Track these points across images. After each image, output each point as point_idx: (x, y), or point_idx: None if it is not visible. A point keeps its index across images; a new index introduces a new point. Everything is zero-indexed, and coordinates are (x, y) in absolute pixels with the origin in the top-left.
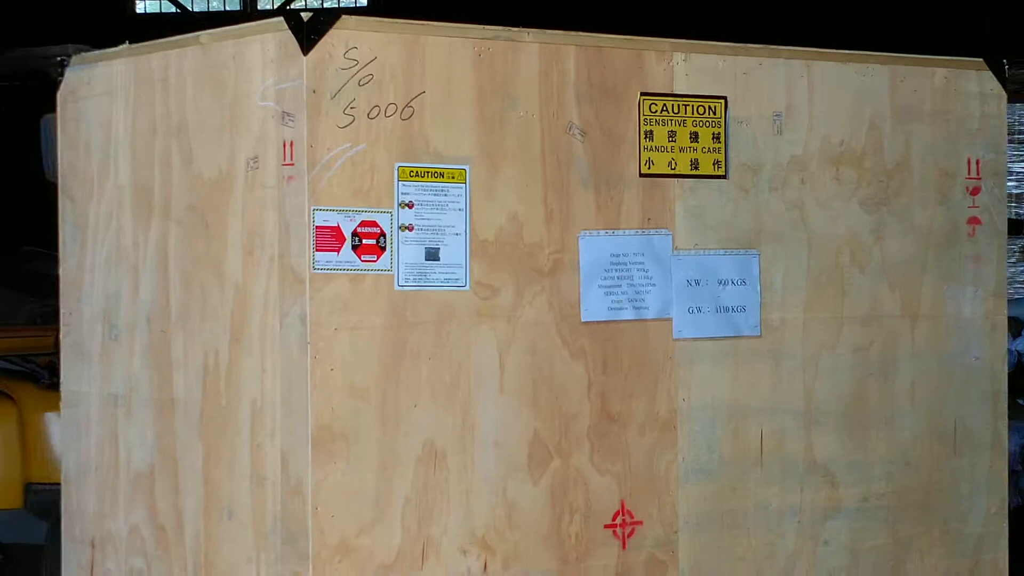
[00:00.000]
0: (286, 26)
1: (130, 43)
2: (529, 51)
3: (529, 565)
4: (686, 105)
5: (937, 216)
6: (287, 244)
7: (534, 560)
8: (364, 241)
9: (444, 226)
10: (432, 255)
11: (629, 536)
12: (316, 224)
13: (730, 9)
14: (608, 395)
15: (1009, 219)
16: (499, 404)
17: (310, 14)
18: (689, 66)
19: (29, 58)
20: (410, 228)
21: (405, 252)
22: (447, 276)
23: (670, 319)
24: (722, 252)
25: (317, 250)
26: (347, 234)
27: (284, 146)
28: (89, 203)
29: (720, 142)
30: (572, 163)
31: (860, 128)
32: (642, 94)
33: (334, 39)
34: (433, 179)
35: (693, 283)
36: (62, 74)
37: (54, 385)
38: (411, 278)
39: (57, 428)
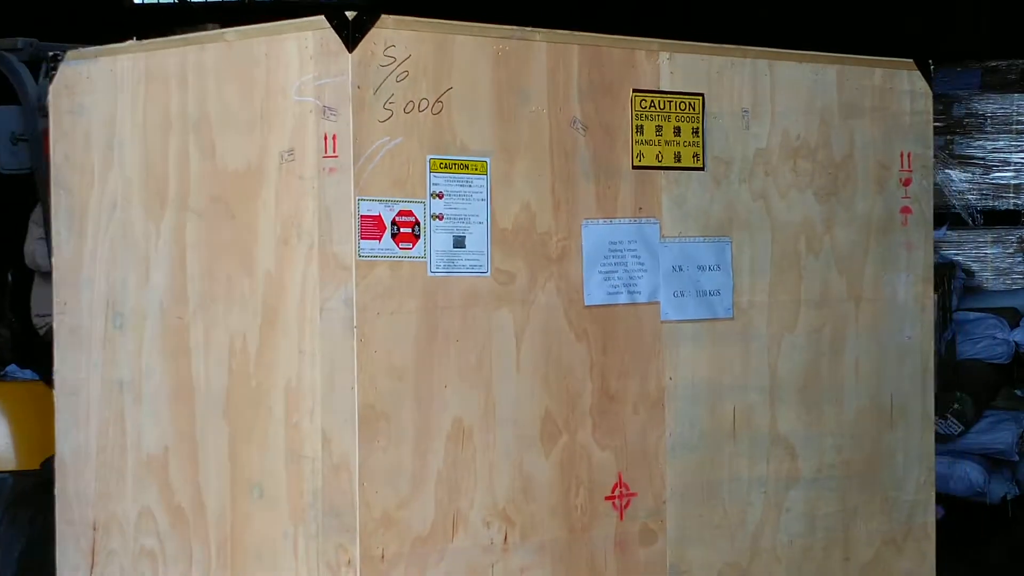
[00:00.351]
0: (327, 24)
1: (137, 39)
2: (539, 50)
3: (543, 535)
4: (670, 101)
5: (876, 206)
6: (328, 232)
7: (546, 530)
8: (402, 230)
9: (469, 215)
10: (459, 243)
11: (626, 507)
12: (361, 213)
13: (701, 9)
14: (607, 374)
15: (1007, 210)
16: (516, 383)
17: (354, 13)
18: (673, 64)
19: None
20: (440, 217)
21: (436, 240)
22: (472, 263)
23: (658, 303)
24: (701, 239)
25: (362, 238)
26: (387, 223)
27: (325, 139)
28: (89, 193)
29: (698, 136)
30: (576, 156)
31: (813, 123)
32: (634, 91)
33: (375, 37)
34: (459, 171)
35: (677, 269)
36: (56, 68)
37: None
38: (441, 265)
39: None
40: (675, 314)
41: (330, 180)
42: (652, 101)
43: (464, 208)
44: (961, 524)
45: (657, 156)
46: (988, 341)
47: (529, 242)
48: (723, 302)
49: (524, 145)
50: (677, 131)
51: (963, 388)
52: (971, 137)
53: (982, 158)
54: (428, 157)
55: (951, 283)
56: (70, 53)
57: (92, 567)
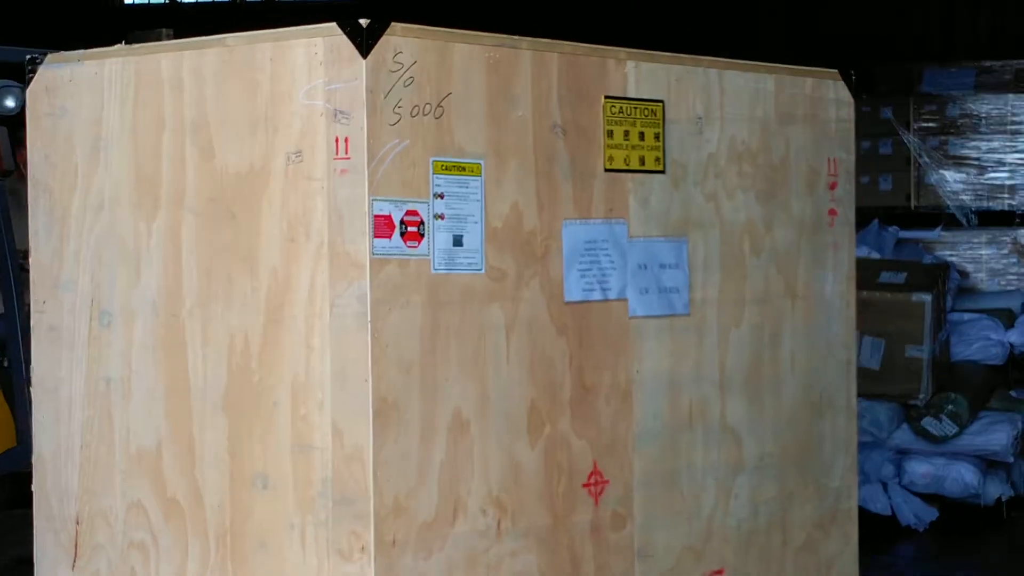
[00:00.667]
0: (339, 31)
1: (125, 43)
2: (524, 58)
3: (530, 521)
4: (636, 107)
5: (807, 208)
6: (340, 231)
7: (534, 517)
8: (409, 228)
9: (466, 215)
10: (458, 241)
11: (600, 494)
12: (374, 213)
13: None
14: (584, 367)
15: (1002, 210)
16: (506, 376)
17: (367, 21)
18: (638, 73)
19: None
20: (441, 217)
21: (439, 239)
22: (469, 260)
23: (626, 299)
24: (662, 239)
25: (375, 237)
26: (396, 222)
27: (336, 141)
28: (72, 195)
29: (660, 141)
30: (556, 159)
31: (755, 129)
32: (605, 97)
33: (386, 44)
34: (458, 172)
35: (642, 267)
36: (33, 71)
37: None
38: (443, 262)
39: None
40: (641, 310)
41: (342, 181)
42: (621, 107)
43: (462, 208)
44: (956, 526)
45: (625, 160)
46: (983, 342)
47: (517, 241)
48: (681, 299)
49: (512, 148)
50: (642, 136)
51: (958, 389)
52: (966, 138)
53: (977, 159)
54: (431, 159)
55: (946, 284)
56: (49, 56)
57: (75, 561)
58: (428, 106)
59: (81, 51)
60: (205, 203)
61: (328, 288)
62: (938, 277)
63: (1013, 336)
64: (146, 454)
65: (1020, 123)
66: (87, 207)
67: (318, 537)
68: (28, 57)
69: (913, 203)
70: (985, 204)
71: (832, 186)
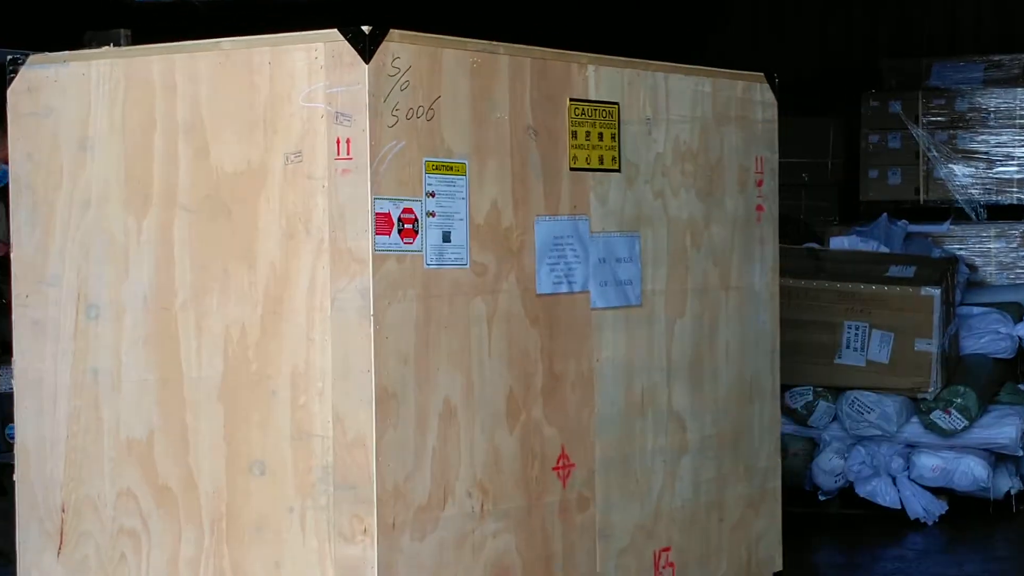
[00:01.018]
0: (340, 37)
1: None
2: (502, 63)
3: (508, 504)
4: (596, 109)
5: (739, 204)
6: (342, 228)
7: (512, 500)
8: (405, 226)
9: (453, 212)
10: (447, 237)
11: (567, 477)
12: (375, 211)
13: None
14: (554, 357)
15: (1011, 204)
16: (488, 365)
17: (369, 28)
18: (597, 76)
19: None
20: (433, 214)
21: (430, 235)
22: (456, 256)
23: (589, 292)
24: (618, 234)
25: (376, 233)
26: (395, 219)
27: (338, 142)
28: (57, 193)
29: (616, 141)
30: (529, 158)
31: (696, 130)
32: (570, 100)
33: (385, 50)
34: (446, 172)
35: (602, 261)
36: (15, 71)
37: None
38: (434, 257)
39: None
40: (601, 302)
41: (344, 180)
42: (583, 109)
43: (450, 206)
44: (965, 519)
45: (587, 159)
46: (992, 336)
47: (497, 236)
48: (634, 291)
49: (492, 149)
50: (600, 136)
51: (967, 383)
52: (974, 131)
53: (985, 152)
54: (424, 159)
55: (954, 278)
56: (32, 57)
57: (60, 548)
58: (421, 108)
59: (66, 52)
60: (200, 200)
61: (329, 283)
62: (947, 271)
63: (1022, 329)
64: (136, 443)
65: None
66: (73, 204)
67: (318, 521)
68: (8, 58)
69: (922, 197)
70: (994, 198)
71: (759, 183)
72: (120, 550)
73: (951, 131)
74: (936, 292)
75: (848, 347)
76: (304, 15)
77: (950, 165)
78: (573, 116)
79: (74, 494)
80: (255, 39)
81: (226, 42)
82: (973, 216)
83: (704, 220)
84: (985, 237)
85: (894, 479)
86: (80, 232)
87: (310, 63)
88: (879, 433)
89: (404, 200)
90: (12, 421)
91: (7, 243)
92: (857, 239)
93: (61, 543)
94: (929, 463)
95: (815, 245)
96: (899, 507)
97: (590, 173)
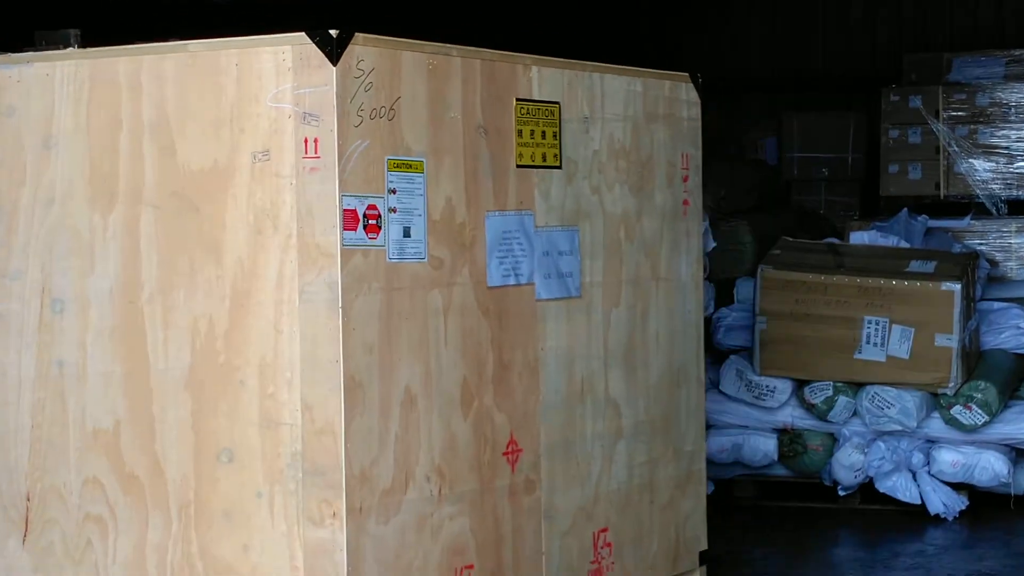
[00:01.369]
0: (308, 40)
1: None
2: (456, 64)
3: (463, 487)
4: (539, 108)
5: (668, 199)
6: (310, 224)
7: (466, 483)
8: (370, 221)
9: (412, 208)
10: (407, 232)
11: (515, 462)
12: (343, 208)
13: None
14: (503, 346)
15: (1015, 199)
16: (445, 355)
17: (336, 31)
18: (540, 77)
19: None
20: (394, 210)
21: (392, 230)
22: (415, 250)
23: (534, 284)
24: (560, 228)
25: (344, 229)
26: (360, 215)
27: (306, 142)
28: (20, 191)
29: (557, 139)
30: (480, 156)
31: (628, 128)
32: (517, 99)
33: (351, 52)
34: (406, 170)
35: (545, 254)
36: None
37: None
38: (396, 252)
39: None
40: (545, 293)
41: (312, 178)
42: (528, 108)
43: (410, 202)
44: (985, 514)
45: (531, 156)
46: (1012, 331)
47: (452, 231)
48: (574, 282)
49: (447, 147)
50: (543, 135)
51: (987, 378)
52: (995, 126)
53: (1006, 147)
54: (387, 158)
55: (975, 273)
56: None
57: (26, 535)
58: (383, 108)
59: (30, 53)
60: (166, 197)
61: (297, 276)
62: (967, 266)
63: None
64: (103, 433)
65: None
66: (37, 201)
67: (287, 505)
68: None
69: (942, 192)
70: (1014, 193)
71: (685, 179)
72: (86, 536)
73: (972, 126)
74: (956, 287)
75: (868, 342)
76: (227, 17)
77: (971, 160)
78: (519, 115)
79: (39, 483)
80: (222, 41)
81: (193, 44)
82: (994, 211)
83: (636, 214)
84: (1006, 232)
85: (914, 474)
86: (44, 229)
87: (277, 65)
88: (899, 428)
89: (369, 197)
90: None
91: None
92: (877, 234)
93: (27, 530)
94: (949, 458)
95: (835, 240)
96: (919, 502)
97: (534, 170)
